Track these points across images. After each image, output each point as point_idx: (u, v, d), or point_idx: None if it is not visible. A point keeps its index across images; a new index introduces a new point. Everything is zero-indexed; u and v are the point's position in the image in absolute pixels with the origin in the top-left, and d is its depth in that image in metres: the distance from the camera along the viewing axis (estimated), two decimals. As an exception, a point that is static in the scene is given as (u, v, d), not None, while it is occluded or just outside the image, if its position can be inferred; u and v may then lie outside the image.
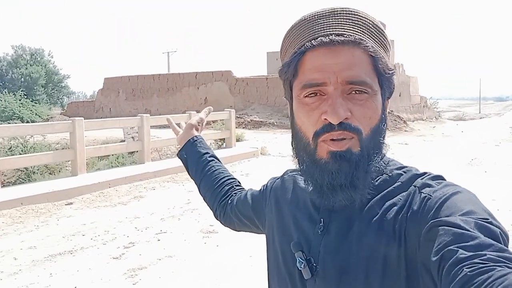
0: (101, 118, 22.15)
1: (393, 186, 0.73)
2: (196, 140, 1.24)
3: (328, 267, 0.73)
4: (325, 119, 0.68)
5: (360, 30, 0.70)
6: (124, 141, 11.87)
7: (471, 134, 17.70)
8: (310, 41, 0.70)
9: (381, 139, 0.73)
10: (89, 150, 9.08)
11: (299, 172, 0.79)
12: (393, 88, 0.76)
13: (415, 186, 0.71)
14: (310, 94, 0.71)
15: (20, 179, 9.53)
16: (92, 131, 11.48)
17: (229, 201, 1.10)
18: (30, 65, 40.75)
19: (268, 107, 21.81)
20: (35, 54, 42.61)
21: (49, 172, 10.07)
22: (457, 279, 0.52)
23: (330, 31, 0.69)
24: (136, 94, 27.20)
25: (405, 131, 18.98)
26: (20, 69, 40.28)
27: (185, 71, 25.80)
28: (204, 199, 1.19)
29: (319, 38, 0.69)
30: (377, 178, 0.75)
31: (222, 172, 1.17)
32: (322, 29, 0.70)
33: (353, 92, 0.69)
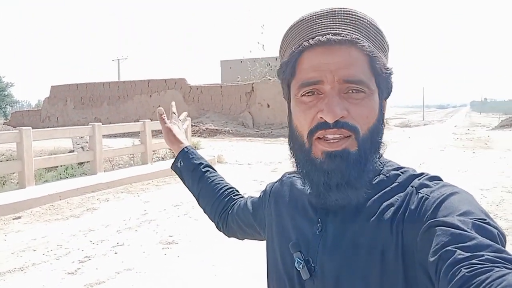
0: (48, 127, 21.22)
1: (391, 186, 0.73)
2: (187, 152, 1.19)
3: (326, 267, 0.73)
4: (321, 117, 0.69)
5: (357, 30, 0.71)
6: (73, 151, 11.40)
7: (417, 140, 18.50)
8: (308, 40, 0.70)
9: (379, 138, 0.74)
10: (38, 161, 8.66)
11: (297, 174, 0.79)
12: (391, 88, 0.77)
13: (412, 187, 0.71)
14: (308, 93, 0.71)
15: (-41, 194, 8.92)
16: (39, 141, 10.95)
17: (230, 211, 1.09)
18: (-31, 72, 38.41)
19: (223, 115, 21.78)
20: (-26, 61, 40.26)
21: (-8, 185, 9.50)
22: (455, 279, 0.52)
23: (327, 31, 0.70)
24: (85, 103, 26.32)
25: (356, 137, 19.51)
26: (-43, 76, 37.87)
27: (136, 79, 25.27)
28: (204, 211, 1.17)
29: (316, 38, 0.70)
30: (375, 179, 0.75)
31: (219, 183, 1.15)
32: (319, 28, 0.71)
33: (350, 91, 0.69)
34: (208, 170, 1.17)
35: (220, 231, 1.14)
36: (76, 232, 5.60)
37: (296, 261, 0.75)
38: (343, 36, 0.69)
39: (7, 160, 10.53)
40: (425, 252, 0.60)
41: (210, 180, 1.15)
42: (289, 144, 0.78)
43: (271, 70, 22.04)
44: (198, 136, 17.60)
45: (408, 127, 30.57)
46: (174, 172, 1.23)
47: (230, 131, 19.41)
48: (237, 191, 1.16)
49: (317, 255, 0.74)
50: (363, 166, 0.71)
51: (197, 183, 1.16)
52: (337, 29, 0.70)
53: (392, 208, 0.70)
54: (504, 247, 0.57)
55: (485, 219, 0.59)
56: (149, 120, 11.27)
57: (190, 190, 1.19)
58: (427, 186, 0.70)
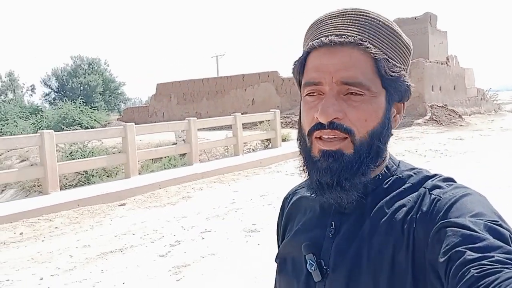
0: (155, 122, 22.97)
1: (403, 187, 0.73)
2: None
3: (338, 269, 0.72)
4: (317, 117, 0.70)
5: (364, 31, 0.71)
6: (176, 143, 12.28)
7: (533, 127, 16.63)
8: (314, 40, 0.72)
9: (380, 144, 0.72)
10: (141, 153, 9.52)
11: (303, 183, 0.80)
12: (406, 91, 0.75)
13: (425, 188, 0.71)
14: (310, 92, 0.72)
15: (81, 182, 10.18)
16: (148, 135, 12.00)
17: None
18: (88, 74, 42.86)
19: (316, 106, 21.61)
20: (92, 64, 44.70)
21: (107, 175, 10.66)
22: (464, 280, 0.52)
23: (331, 32, 0.71)
24: (187, 98, 27.94)
25: (460, 125, 18.16)
26: (79, 78, 42.53)
27: (233, 74, 26.17)
28: None
29: (319, 39, 0.71)
30: (388, 180, 0.75)
31: None
32: (326, 30, 0.72)
33: (350, 93, 0.70)
34: None
35: None
36: (170, 218, 6.10)
37: (308, 262, 0.75)
38: (345, 37, 0.70)
39: (119, 152, 11.71)
40: (435, 253, 0.60)
41: None
42: (297, 142, 0.79)
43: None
44: (290, 127, 17.73)
45: (526, 113, 27.50)
46: None
47: (323, 122, 19.22)
48: None
49: (330, 258, 0.74)
50: (356, 169, 0.71)
51: None
52: (342, 30, 0.71)
53: (404, 209, 0.70)
54: None
55: (497, 221, 0.59)
56: (241, 113, 11.70)
57: None
58: (439, 187, 0.70)
